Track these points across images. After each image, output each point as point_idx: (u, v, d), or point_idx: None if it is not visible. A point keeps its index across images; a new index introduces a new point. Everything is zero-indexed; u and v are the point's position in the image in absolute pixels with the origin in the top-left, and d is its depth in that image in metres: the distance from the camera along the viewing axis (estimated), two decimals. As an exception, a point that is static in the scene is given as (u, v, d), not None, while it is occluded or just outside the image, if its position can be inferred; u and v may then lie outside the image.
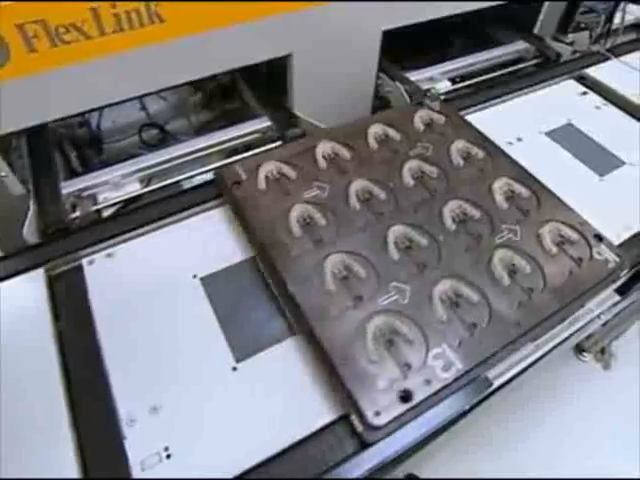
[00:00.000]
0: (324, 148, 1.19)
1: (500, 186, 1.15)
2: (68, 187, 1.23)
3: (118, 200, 1.25)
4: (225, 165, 1.25)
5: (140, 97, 1.61)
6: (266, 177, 1.13)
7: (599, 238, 1.06)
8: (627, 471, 1.92)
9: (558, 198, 1.15)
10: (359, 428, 0.78)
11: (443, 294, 0.94)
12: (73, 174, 1.48)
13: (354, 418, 0.79)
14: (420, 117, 1.33)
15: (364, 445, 0.79)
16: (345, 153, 1.20)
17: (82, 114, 1.55)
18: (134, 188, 1.28)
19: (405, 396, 0.80)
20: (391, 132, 1.27)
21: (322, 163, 1.17)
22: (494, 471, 1.88)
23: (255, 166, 1.14)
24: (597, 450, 1.97)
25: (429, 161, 1.20)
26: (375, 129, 1.25)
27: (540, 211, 1.11)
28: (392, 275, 0.96)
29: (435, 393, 0.81)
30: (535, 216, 1.10)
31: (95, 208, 1.22)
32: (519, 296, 0.95)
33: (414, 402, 0.79)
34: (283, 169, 1.15)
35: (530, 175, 1.20)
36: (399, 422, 0.78)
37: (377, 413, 0.77)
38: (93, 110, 1.26)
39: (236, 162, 1.17)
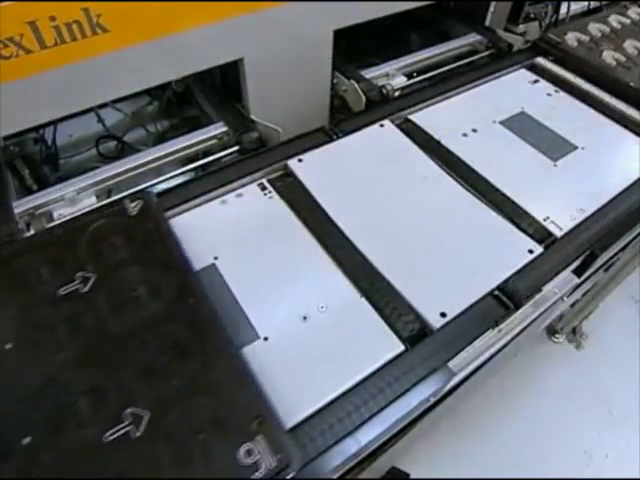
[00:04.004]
0: (593, 28, 1.82)
1: None
2: (21, 205, 1.20)
3: (75, 216, 1.23)
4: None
5: (92, 110, 1.58)
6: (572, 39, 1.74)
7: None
8: (606, 446, 1.98)
9: None
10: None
11: None
12: (29, 193, 1.45)
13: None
14: (635, 11, 1.95)
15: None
16: (606, 28, 1.83)
17: (35, 130, 1.51)
18: (91, 202, 1.26)
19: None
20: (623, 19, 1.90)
21: (597, 34, 1.79)
22: (478, 456, 1.91)
23: (562, 34, 1.75)
24: (576, 427, 2.03)
25: None
26: (611, 19, 1.89)
27: None
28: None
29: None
30: None
31: (51, 225, 1.19)
32: None
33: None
34: (579, 37, 1.75)
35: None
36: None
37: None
38: (42, 126, 1.23)
39: (550, 31, 1.79)
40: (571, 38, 1.76)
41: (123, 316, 0.89)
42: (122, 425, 0.75)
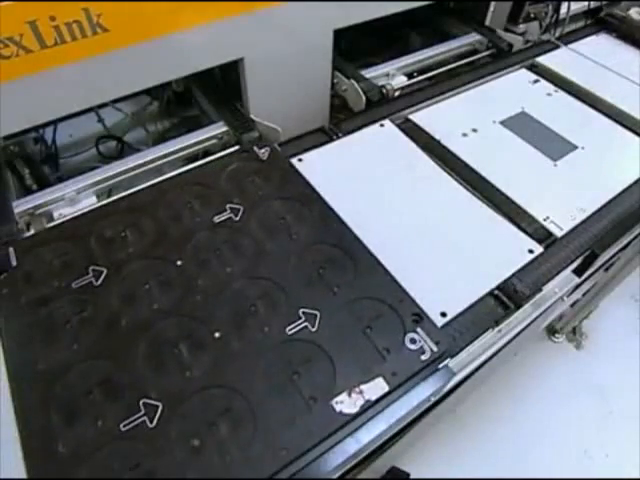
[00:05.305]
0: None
1: None
2: (21, 205, 1.20)
3: (76, 215, 1.22)
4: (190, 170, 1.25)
5: (92, 110, 1.58)
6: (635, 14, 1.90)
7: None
8: (606, 445, 1.98)
9: None
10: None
11: None
12: (29, 192, 1.44)
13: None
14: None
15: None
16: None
17: (35, 130, 1.51)
18: (91, 202, 1.26)
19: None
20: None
21: None
22: (478, 455, 1.91)
23: (625, 9, 1.93)
24: (575, 427, 2.03)
25: None
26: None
27: None
28: None
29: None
30: None
31: (51, 225, 1.19)
32: None
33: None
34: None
35: None
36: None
37: None
38: (42, 126, 1.23)
39: (612, 6, 2.06)
40: (634, 13, 1.95)
41: (277, 240, 1.05)
42: (300, 321, 0.92)
